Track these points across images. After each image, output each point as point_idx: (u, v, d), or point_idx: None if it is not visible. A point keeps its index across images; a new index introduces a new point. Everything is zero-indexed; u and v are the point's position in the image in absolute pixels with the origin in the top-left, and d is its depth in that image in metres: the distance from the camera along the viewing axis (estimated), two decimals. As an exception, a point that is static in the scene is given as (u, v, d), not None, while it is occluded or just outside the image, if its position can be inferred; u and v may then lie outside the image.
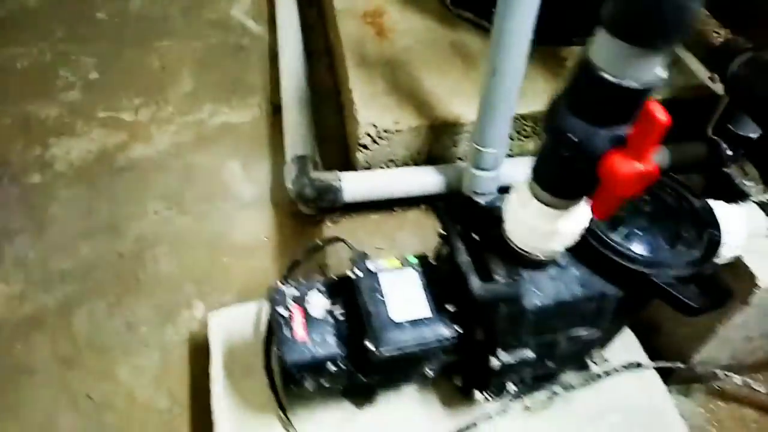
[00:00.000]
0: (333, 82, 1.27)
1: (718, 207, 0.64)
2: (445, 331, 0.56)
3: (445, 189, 1.00)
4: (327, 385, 0.58)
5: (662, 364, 0.77)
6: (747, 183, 1.02)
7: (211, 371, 0.74)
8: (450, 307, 0.58)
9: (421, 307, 0.57)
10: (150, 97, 1.23)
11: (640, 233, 0.58)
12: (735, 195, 0.94)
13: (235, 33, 1.42)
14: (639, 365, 0.76)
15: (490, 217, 0.60)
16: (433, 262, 0.63)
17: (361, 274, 0.59)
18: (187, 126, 1.19)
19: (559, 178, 0.49)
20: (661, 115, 0.39)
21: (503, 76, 0.78)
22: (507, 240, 0.57)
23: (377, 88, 1.01)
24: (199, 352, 0.84)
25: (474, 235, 0.59)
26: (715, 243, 0.59)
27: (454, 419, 0.70)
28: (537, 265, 0.58)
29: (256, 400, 0.71)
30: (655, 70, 0.40)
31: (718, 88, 1.03)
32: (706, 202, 0.63)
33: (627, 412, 0.73)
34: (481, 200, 0.95)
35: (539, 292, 0.56)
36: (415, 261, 0.61)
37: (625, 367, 0.76)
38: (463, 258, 0.55)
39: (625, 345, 0.79)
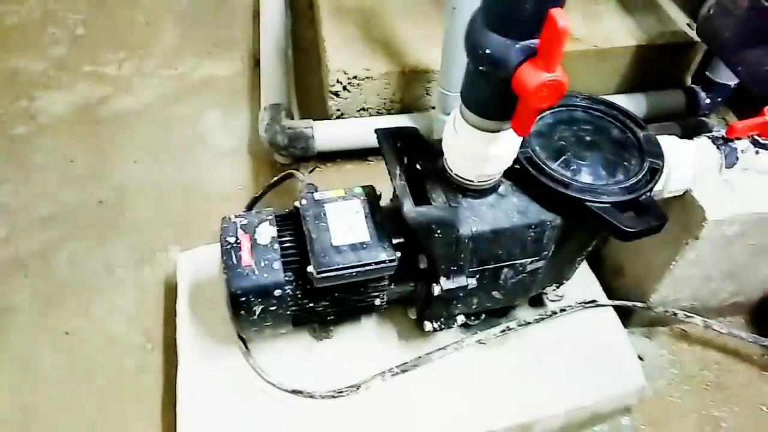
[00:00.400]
0: (314, 36, 1.27)
1: (665, 140, 0.64)
2: (382, 255, 0.57)
3: (418, 137, 1.00)
4: (274, 310, 0.60)
5: (618, 303, 0.78)
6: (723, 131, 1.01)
7: (178, 306, 0.77)
8: (394, 238, 0.59)
9: (362, 233, 0.58)
10: (134, 52, 1.25)
11: (580, 161, 0.59)
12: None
13: (221, -13, 1.42)
14: (595, 302, 0.77)
15: (435, 150, 0.61)
16: (390, 198, 0.65)
17: (306, 203, 0.60)
18: (169, 79, 1.20)
19: (483, 97, 0.49)
20: (563, 21, 0.39)
21: (463, 12, 0.77)
22: (446, 168, 0.58)
23: (349, 36, 1.02)
24: (174, 293, 0.87)
25: (418, 166, 0.60)
26: (654, 171, 0.59)
27: (410, 351, 0.72)
28: (477, 194, 0.59)
29: (219, 333, 0.73)
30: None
31: (696, 34, 1.01)
32: (653, 135, 0.63)
33: (581, 348, 0.74)
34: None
35: (476, 218, 0.57)
36: (359, 191, 0.62)
37: (581, 304, 0.77)
38: (400, 182, 0.56)
39: (584, 284, 0.80)
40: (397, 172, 0.57)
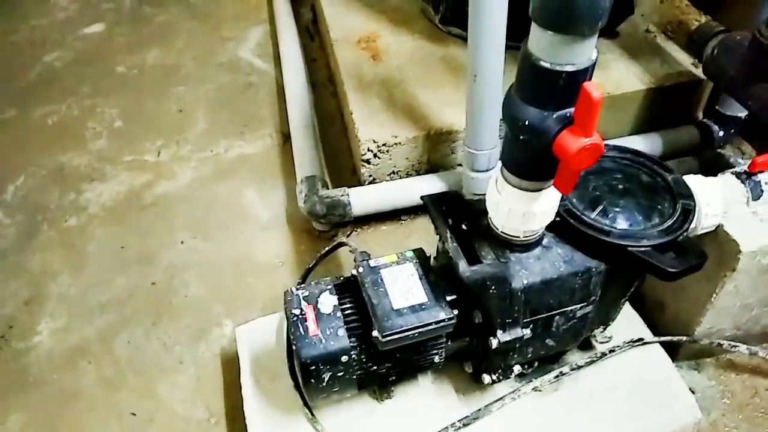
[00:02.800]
0: (337, 107, 1.35)
1: (692, 180, 0.68)
2: (441, 314, 0.61)
3: (448, 194, 1.06)
4: (341, 376, 0.63)
5: (665, 338, 0.80)
6: (742, 161, 1.05)
7: (241, 379, 0.80)
8: (448, 295, 0.63)
9: (419, 295, 0.62)
10: (170, 139, 1.33)
11: (616, 209, 0.63)
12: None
13: (244, 72, 1.51)
14: (642, 341, 0.79)
15: (477, 209, 0.66)
16: (433, 257, 0.69)
17: (363, 271, 0.64)
18: (205, 161, 1.27)
19: (524, 162, 0.54)
20: (595, 92, 0.44)
21: (484, 80, 0.84)
22: (492, 226, 0.63)
23: (374, 107, 1.08)
24: (231, 365, 0.91)
25: (464, 226, 0.65)
26: (687, 212, 0.63)
27: (468, 405, 0.74)
28: (523, 248, 0.63)
29: (284, 402, 0.76)
30: (586, 54, 0.45)
31: (701, 72, 1.07)
32: (680, 177, 0.67)
33: (634, 386, 0.76)
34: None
35: (526, 271, 0.61)
36: (411, 255, 0.66)
37: (628, 343, 0.79)
38: (452, 245, 0.61)
39: (629, 323, 0.82)
40: (448, 234, 0.62)
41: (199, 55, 1.57)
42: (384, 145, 1.03)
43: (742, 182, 0.71)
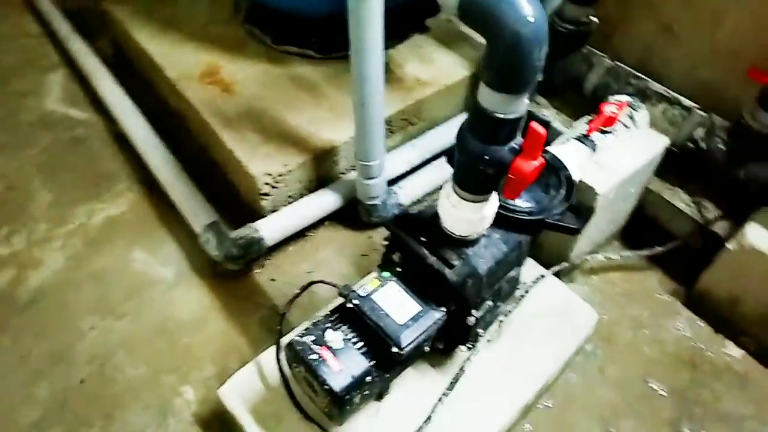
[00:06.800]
0: (197, 148, 1.32)
1: (558, 152, 0.91)
2: (436, 314, 0.74)
3: (343, 202, 1.17)
4: (368, 394, 0.74)
5: (555, 268, 1.05)
6: (546, 113, 1.34)
7: (246, 433, 0.85)
8: (430, 297, 0.77)
9: (413, 306, 0.75)
10: (14, 223, 1.19)
11: (528, 193, 0.82)
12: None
13: (64, 126, 1.38)
14: (542, 276, 1.03)
15: (425, 221, 0.80)
16: (397, 269, 0.81)
17: (359, 302, 0.74)
18: (71, 236, 1.18)
19: (479, 183, 0.69)
20: (541, 130, 0.61)
21: (371, 106, 0.96)
22: (448, 233, 0.77)
23: (252, 141, 1.13)
24: (212, 426, 0.93)
25: (422, 238, 0.78)
26: (569, 179, 0.85)
27: (445, 374, 0.90)
28: (473, 242, 0.79)
29: (299, 436, 0.83)
30: (524, 104, 0.61)
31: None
32: (553, 155, 0.88)
33: (549, 313, 0.99)
34: (376, 202, 1.15)
35: (483, 259, 0.77)
36: (388, 275, 0.78)
37: (534, 281, 1.02)
38: (432, 259, 0.74)
39: (529, 268, 1.05)
40: (426, 252, 0.75)
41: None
42: (279, 175, 1.09)
43: (584, 144, 0.96)
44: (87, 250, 1.16)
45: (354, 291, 0.76)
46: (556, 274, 1.05)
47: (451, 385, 0.88)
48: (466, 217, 0.73)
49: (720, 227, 1.09)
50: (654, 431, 0.95)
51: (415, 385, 0.89)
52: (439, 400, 0.86)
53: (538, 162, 0.63)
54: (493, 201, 0.73)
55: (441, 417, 0.85)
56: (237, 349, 1.02)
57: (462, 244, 0.78)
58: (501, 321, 0.95)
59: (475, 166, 0.66)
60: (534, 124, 0.61)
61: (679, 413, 0.97)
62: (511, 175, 0.64)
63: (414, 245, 0.76)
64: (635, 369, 1.03)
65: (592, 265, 1.16)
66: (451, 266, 0.74)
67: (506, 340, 0.95)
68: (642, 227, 1.18)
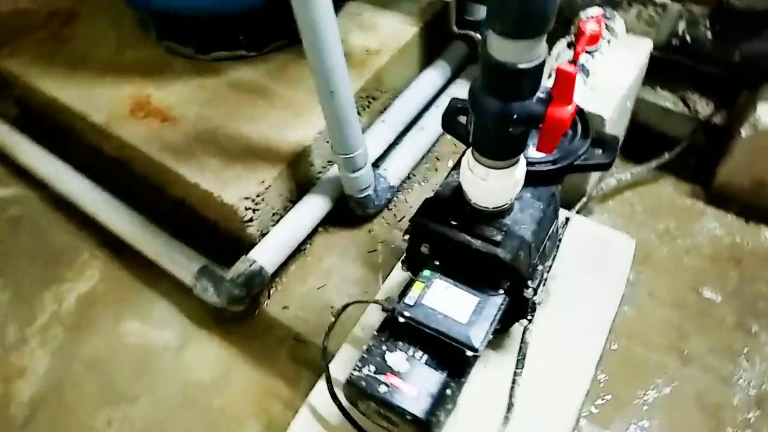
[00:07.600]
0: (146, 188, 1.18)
1: (556, 86, 0.82)
2: (498, 300, 0.67)
3: (332, 202, 1.07)
4: (451, 406, 0.66)
5: (577, 206, 0.98)
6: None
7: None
8: (481, 282, 0.68)
9: (470, 299, 0.67)
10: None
11: (542, 139, 0.74)
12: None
13: (-6, 209, 1.22)
14: (568, 219, 0.96)
15: (448, 203, 0.71)
16: (435, 263, 0.72)
17: (410, 314, 0.66)
18: (47, 329, 1.04)
19: (508, 147, 0.60)
20: (570, 68, 0.52)
21: (340, 92, 0.86)
22: (479, 209, 0.69)
23: (214, 167, 1.00)
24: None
25: (453, 222, 0.69)
26: (583, 114, 0.77)
27: (507, 353, 0.83)
28: (508, 210, 0.71)
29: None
30: (545, 46, 0.52)
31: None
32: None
33: (586, 254, 0.93)
34: (368, 192, 1.05)
35: (524, 225, 0.70)
36: (429, 273, 0.69)
37: (563, 227, 0.95)
38: (477, 243, 0.66)
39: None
40: (469, 237, 0.66)
41: None
42: (258, 195, 0.98)
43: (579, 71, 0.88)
44: (70, 340, 1.03)
45: (401, 302, 0.67)
46: (578, 212, 0.99)
47: (520, 363, 0.81)
48: (499, 186, 0.65)
49: (718, 119, 1.05)
50: (725, 339, 0.91)
51: (480, 376, 0.82)
52: (513, 382, 0.80)
53: (572, 107, 0.55)
54: (522, 164, 0.65)
55: (521, 400, 0.79)
56: (275, 393, 0.93)
57: (497, 215, 0.70)
58: (545, 279, 0.89)
59: (503, 129, 0.57)
60: (561, 65, 0.52)
61: (742, 314, 0.93)
62: (547, 125, 0.56)
63: (451, 234, 0.67)
64: (683, 283, 0.98)
65: (605, 191, 1.11)
66: (496, 243, 0.66)
67: (556, 297, 0.89)
68: (636, 141, 1.13)
